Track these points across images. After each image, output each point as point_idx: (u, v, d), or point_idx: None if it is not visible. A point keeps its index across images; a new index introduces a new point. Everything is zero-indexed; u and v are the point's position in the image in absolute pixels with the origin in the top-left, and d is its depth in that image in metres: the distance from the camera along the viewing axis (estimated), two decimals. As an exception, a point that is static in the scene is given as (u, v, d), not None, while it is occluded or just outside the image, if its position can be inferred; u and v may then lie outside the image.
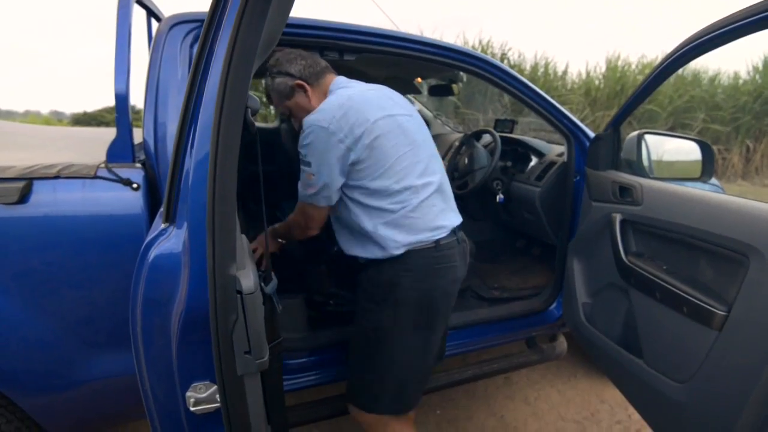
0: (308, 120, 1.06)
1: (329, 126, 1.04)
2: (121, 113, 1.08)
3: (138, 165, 1.09)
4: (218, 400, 0.74)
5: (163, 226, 0.81)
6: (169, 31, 1.15)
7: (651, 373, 1.24)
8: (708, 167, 1.44)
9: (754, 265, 0.97)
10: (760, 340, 0.95)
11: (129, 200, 1.04)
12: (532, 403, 1.97)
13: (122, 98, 1.08)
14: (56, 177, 1.01)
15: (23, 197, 0.98)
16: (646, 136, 1.48)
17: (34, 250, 0.99)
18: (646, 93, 1.37)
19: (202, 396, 0.78)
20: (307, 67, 1.18)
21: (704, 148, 1.46)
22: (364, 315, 1.18)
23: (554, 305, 1.79)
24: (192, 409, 0.78)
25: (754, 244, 0.97)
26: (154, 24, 1.58)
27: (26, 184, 0.99)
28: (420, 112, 2.97)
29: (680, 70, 7.76)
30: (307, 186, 1.10)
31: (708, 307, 1.05)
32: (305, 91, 1.17)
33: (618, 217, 1.39)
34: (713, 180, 2.10)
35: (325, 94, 1.17)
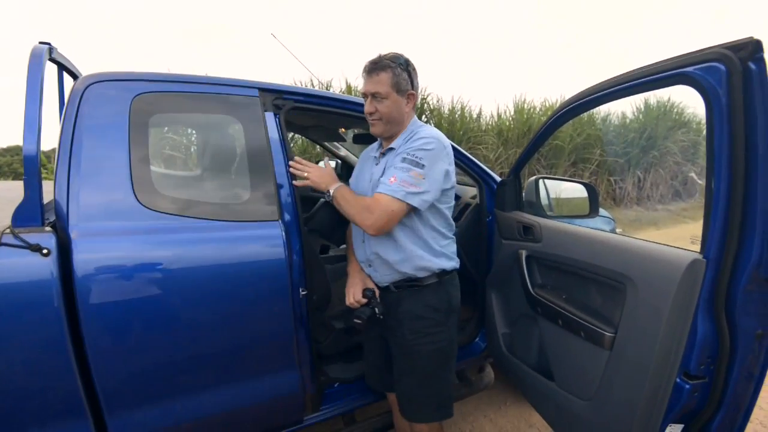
0: (432, 131, 1.28)
1: (447, 147, 1.28)
2: (30, 175, 1.03)
3: (48, 228, 1.05)
4: None
5: None
6: (86, 89, 1.15)
7: (562, 394, 1.37)
8: (594, 205, 1.68)
9: (630, 291, 1.15)
10: (640, 355, 1.11)
11: (39, 266, 0.99)
12: (467, 435, 2.04)
13: (32, 159, 1.04)
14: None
15: None
16: (542, 180, 1.70)
17: None
18: (537, 145, 1.58)
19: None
20: (418, 92, 1.35)
21: (589, 189, 1.70)
22: (428, 339, 1.32)
23: (478, 338, 1.91)
24: None
25: (628, 273, 1.15)
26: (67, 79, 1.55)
27: None
28: (346, 157, 3.08)
29: (577, 112, 8.82)
30: (410, 184, 1.20)
31: (600, 330, 1.22)
32: (411, 106, 1.33)
33: (524, 253, 1.55)
34: (604, 212, 2.40)
35: (409, 120, 1.35)
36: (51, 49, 1.26)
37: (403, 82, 1.28)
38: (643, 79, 1.15)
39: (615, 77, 1.25)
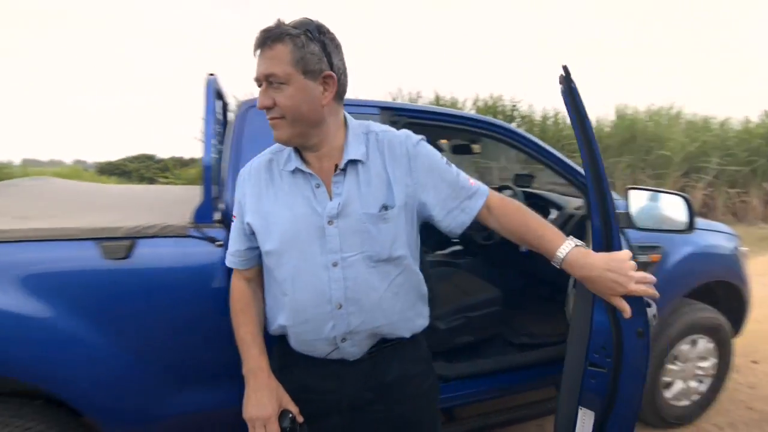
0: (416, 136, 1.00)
1: None
2: (207, 182, 1.28)
3: (218, 224, 1.29)
4: None
5: None
6: (246, 111, 1.38)
7: None
8: (691, 219, 1.61)
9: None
10: (571, 341, 1.28)
11: (213, 254, 1.23)
12: (565, 449, 2.00)
13: (209, 169, 1.29)
14: (154, 236, 1.21)
15: (128, 253, 1.17)
16: (633, 191, 1.64)
17: (135, 297, 1.17)
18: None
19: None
20: (345, 73, 0.94)
21: (685, 201, 1.61)
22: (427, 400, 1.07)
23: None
24: None
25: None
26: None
27: (131, 242, 1.18)
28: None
29: (691, 116, 7.96)
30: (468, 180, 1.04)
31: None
32: (331, 94, 0.90)
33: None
34: (726, 228, 2.18)
35: (342, 125, 0.96)
36: (216, 80, 1.52)
37: (312, 59, 0.86)
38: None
39: None
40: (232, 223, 1.02)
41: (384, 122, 1.55)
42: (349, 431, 0.99)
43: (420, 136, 1.01)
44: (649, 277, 0.94)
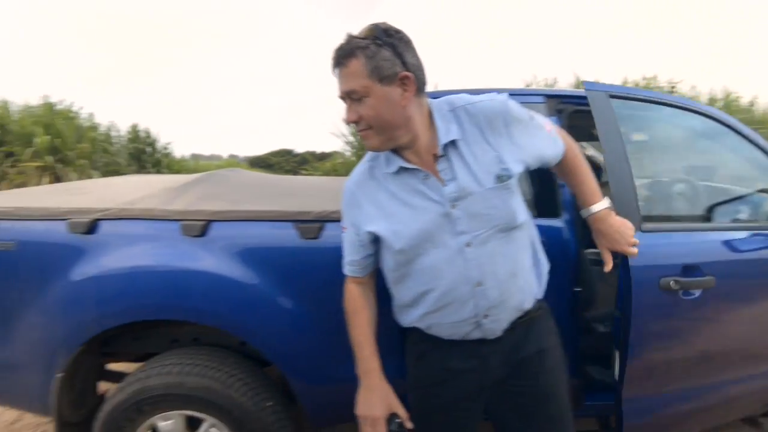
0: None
1: None
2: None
3: None
4: None
5: None
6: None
7: None
8: None
9: None
10: None
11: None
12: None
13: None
14: (337, 220, 1.35)
15: (318, 234, 1.34)
16: None
17: (323, 270, 1.31)
18: None
19: None
20: (420, 67, 0.92)
21: None
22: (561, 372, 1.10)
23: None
24: None
25: None
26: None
27: (320, 225, 1.34)
28: (593, 157, 2.95)
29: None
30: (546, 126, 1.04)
31: None
32: (410, 93, 0.90)
33: None
34: None
35: (427, 114, 0.96)
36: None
37: (386, 64, 0.86)
38: None
39: None
40: (343, 234, 1.06)
41: (550, 109, 1.50)
42: (492, 408, 1.06)
43: (505, 96, 0.98)
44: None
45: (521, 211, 0.98)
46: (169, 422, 1.35)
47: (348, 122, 0.93)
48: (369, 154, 1.03)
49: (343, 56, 0.88)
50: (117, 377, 1.63)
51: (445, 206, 0.93)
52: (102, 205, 1.40)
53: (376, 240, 1.01)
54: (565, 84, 6.72)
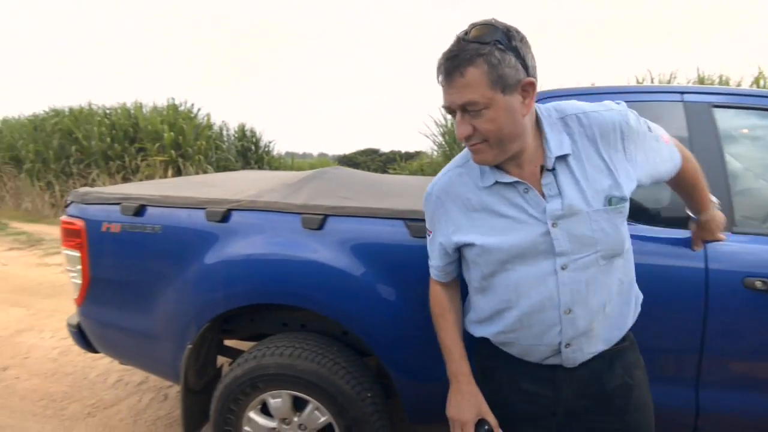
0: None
1: None
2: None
3: None
4: None
5: None
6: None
7: None
8: None
9: None
10: None
11: None
12: None
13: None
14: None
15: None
16: None
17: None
18: None
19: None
20: (535, 68, 0.82)
21: None
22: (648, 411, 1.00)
23: None
24: None
25: None
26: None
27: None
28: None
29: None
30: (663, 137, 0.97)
31: None
32: (531, 102, 0.82)
33: None
34: None
35: (535, 121, 0.88)
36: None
37: (510, 72, 0.76)
38: None
39: None
40: (428, 237, 1.03)
41: (690, 111, 1.35)
42: None
43: (624, 107, 0.90)
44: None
45: (628, 236, 0.91)
46: (278, 400, 1.46)
47: (461, 138, 0.83)
48: (459, 159, 0.97)
49: (459, 64, 0.77)
50: (232, 353, 1.80)
51: (546, 224, 0.85)
52: (234, 197, 1.55)
53: (460, 248, 0.96)
54: (683, 80, 6.00)
